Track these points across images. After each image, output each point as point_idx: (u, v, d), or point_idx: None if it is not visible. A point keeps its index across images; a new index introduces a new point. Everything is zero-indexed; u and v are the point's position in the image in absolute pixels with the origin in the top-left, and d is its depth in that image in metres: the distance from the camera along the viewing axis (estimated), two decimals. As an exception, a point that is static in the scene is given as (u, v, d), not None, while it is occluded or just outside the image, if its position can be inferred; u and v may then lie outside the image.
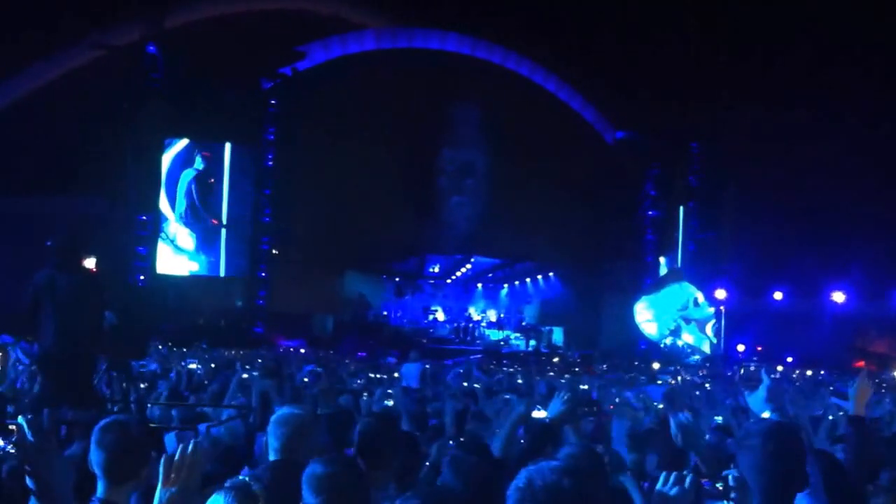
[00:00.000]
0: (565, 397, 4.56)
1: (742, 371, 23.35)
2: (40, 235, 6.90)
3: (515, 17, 33.02)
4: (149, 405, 8.41)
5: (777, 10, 31.42)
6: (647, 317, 32.86)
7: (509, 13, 33.02)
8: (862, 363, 32.75)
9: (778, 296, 34.65)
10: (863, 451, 4.21)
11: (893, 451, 5.63)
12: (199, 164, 30.31)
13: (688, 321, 32.66)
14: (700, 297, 32.71)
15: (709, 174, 34.78)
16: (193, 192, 30.35)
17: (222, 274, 30.72)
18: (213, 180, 30.50)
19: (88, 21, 29.04)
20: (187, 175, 30.26)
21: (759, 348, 32.61)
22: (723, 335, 32.96)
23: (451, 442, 5.79)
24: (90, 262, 7.95)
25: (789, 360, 31.92)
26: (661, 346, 32.46)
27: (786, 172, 32.88)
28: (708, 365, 28.87)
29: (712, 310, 32.92)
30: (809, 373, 24.27)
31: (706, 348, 32.72)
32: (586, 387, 14.47)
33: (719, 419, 8.30)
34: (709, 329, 32.76)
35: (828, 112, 31.40)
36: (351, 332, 30.08)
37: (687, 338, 32.83)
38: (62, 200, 26.83)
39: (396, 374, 15.00)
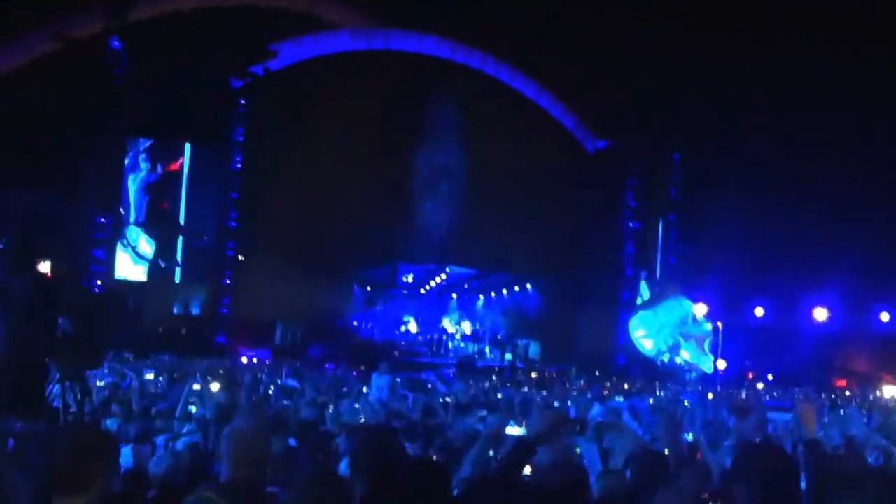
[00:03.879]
0: (546, 413, 4.38)
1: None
2: (-2, 230, 6.14)
3: (495, 21, 32.12)
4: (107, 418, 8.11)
5: (763, 21, 30.85)
6: (643, 332, 32.14)
7: (489, 17, 32.13)
8: (843, 382, 32.24)
9: (759, 312, 33.97)
10: (818, 472, 4.23)
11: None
12: (153, 167, 29.16)
13: (686, 338, 32.03)
14: (698, 312, 32.05)
15: (689, 186, 34.16)
16: (153, 198, 29.21)
17: (177, 280, 29.49)
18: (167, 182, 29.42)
19: (49, 11, 27.80)
20: (142, 179, 29.05)
21: (751, 375, 31.80)
22: (719, 352, 32.25)
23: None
24: (44, 266, 7.33)
25: (769, 377, 31.37)
26: (658, 362, 31.73)
27: (768, 186, 32.33)
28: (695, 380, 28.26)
29: (710, 326, 32.27)
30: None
31: (705, 366, 32.01)
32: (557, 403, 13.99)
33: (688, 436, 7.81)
34: (706, 346, 32.08)
35: (811, 126, 30.92)
36: (318, 342, 28.99)
37: (685, 355, 32.15)
38: (16, 193, 25.54)
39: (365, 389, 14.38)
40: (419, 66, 32.26)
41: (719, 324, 32.25)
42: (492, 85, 33.59)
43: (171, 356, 20.35)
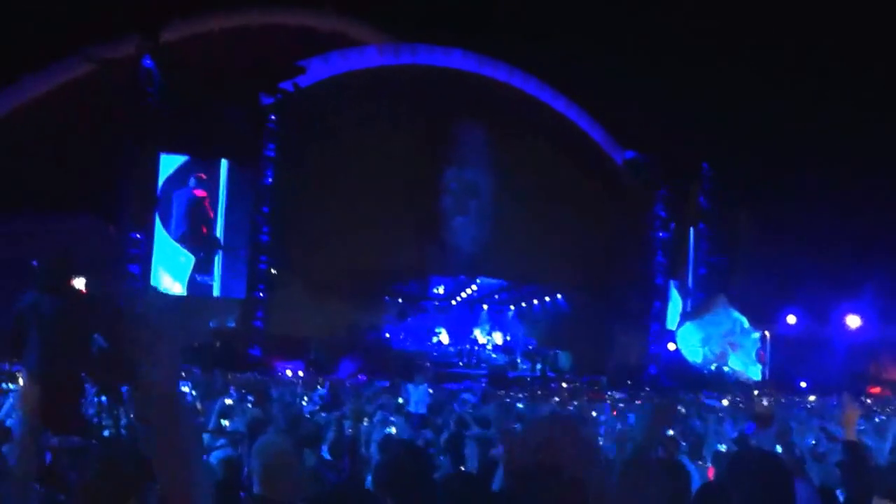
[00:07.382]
0: None
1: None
2: (32, 253, 6.99)
3: (522, 35, 32.28)
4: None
5: (792, 32, 30.72)
6: (691, 342, 32.05)
7: (516, 30, 32.31)
8: (878, 390, 31.92)
9: (791, 320, 33.73)
10: (860, 475, 4.26)
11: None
12: (192, 183, 29.54)
13: (734, 347, 31.83)
14: (746, 322, 31.89)
15: (720, 195, 33.99)
16: (194, 214, 29.57)
17: (216, 294, 29.86)
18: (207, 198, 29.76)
19: (82, 33, 28.29)
20: (182, 196, 29.43)
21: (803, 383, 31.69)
22: (768, 360, 32.06)
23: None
24: (79, 283, 7.47)
25: (802, 385, 31.18)
26: (705, 372, 31.64)
27: (799, 194, 32.12)
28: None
29: (758, 335, 32.09)
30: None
31: (754, 375, 31.83)
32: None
33: (722, 447, 8.33)
34: (753, 354, 31.93)
35: (842, 132, 30.71)
36: (351, 354, 29.15)
37: (734, 364, 31.99)
38: (53, 217, 25.97)
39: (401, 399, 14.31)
40: (447, 80, 32.45)
41: (766, 333, 32.04)
42: (519, 98, 33.69)
43: (206, 370, 20.49)
